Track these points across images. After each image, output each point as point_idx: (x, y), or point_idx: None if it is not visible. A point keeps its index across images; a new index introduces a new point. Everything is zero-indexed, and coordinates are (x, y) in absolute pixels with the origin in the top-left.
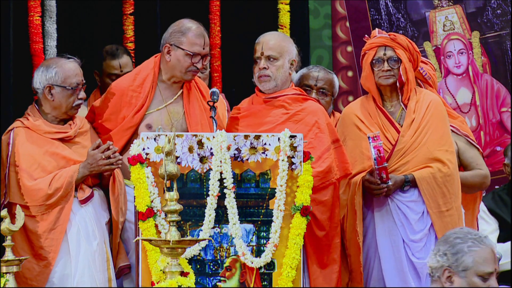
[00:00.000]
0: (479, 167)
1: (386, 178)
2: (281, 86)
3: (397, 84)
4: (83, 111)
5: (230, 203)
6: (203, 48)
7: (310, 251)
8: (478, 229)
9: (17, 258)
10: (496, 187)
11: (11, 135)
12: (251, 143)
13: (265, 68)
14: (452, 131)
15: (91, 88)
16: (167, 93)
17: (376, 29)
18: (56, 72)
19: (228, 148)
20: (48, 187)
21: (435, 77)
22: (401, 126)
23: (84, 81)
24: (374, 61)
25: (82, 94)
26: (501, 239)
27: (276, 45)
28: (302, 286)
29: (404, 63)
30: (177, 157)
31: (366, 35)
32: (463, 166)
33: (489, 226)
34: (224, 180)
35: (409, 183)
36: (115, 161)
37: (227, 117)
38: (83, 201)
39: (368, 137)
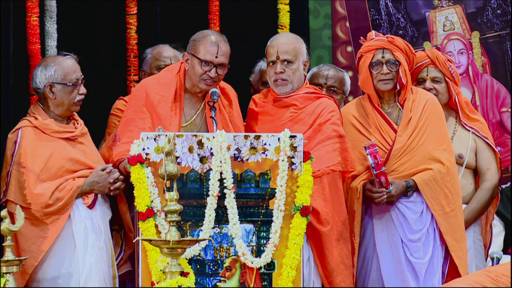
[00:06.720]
0: (490, 174)
1: (386, 183)
2: (296, 88)
3: (397, 86)
4: None
5: (230, 203)
6: (216, 57)
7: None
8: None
9: (17, 258)
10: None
11: (19, 133)
12: (251, 143)
13: (281, 72)
14: (473, 133)
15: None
16: (190, 106)
17: (373, 31)
18: (55, 70)
19: (228, 148)
20: (50, 197)
21: (458, 74)
22: (398, 126)
23: (83, 77)
24: (372, 64)
25: (82, 89)
26: (507, 243)
27: (291, 48)
28: (302, 286)
29: (403, 65)
30: (177, 157)
31: (361, 37)
32: (476, 165)
33: (494, 228)
34: (224, 180)
35: (412, 188)
36: (120, 189)
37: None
38: (91, 206)
39: (364, 147)
